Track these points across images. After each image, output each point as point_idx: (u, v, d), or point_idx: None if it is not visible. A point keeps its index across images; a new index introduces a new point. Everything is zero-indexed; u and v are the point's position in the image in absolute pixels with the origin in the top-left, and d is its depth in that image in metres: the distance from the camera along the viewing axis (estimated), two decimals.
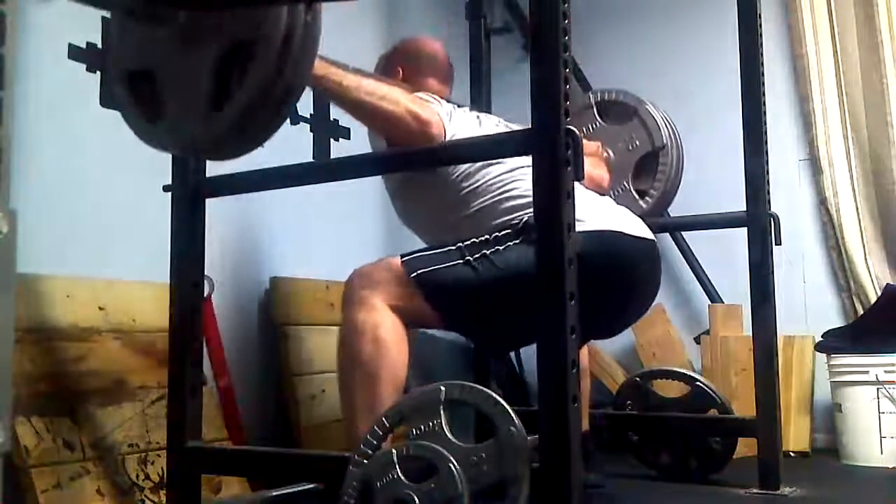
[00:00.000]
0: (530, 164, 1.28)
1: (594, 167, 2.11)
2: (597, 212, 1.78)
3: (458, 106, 1.99)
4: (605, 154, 2.32)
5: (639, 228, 1.85)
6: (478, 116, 2.00)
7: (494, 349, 2.25)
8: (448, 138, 1.80)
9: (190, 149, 1.52)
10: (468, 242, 1.73)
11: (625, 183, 2.41)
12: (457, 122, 1.86)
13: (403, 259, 1.71)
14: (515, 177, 1.83)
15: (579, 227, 1.68)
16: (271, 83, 1.24)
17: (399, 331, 1.66)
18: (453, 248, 1.73)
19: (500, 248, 1.70)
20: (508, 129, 1.96)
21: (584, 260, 1.27)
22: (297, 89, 1.30)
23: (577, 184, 1.51)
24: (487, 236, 1.74)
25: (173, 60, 1.32)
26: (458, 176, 1.85)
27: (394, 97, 1.71)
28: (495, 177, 1.84)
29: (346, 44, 2.70)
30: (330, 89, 1.66)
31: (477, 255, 1.70)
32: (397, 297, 1.67)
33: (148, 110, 1.37)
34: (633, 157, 2.43)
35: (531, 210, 1.36)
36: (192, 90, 1.29)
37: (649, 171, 2.43)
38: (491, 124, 2.00)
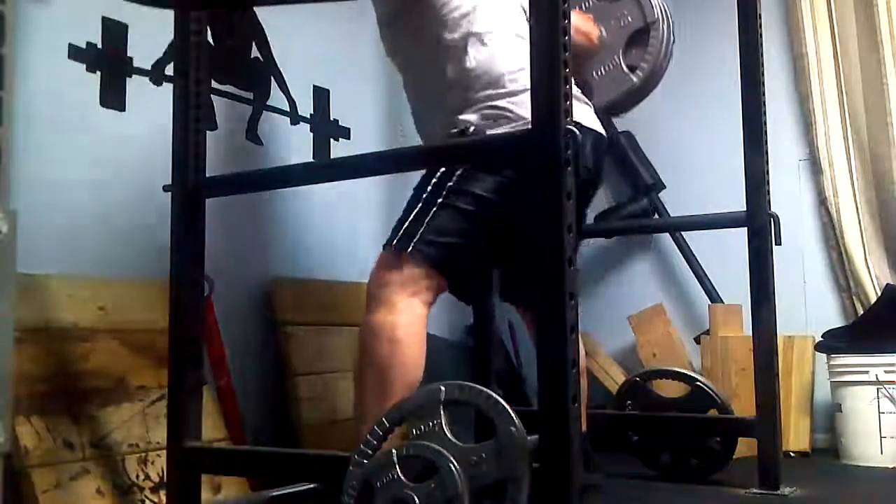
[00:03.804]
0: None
1: (584, 21, 2.11)
2: None
3: None
4: (598, 32, 2.32)
5: (590, 120, 1.83)
6: None
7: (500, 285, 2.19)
8: None
9: None
10: (430, 188, 1.70)
11: (616, 58, 2.40)
12: None
13: (392, 243, 1.68)
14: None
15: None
16: None
17: (416, 329, 1.63)
18: (420, 203, 1.70)
19: (462, 178, 1.68)
20: None
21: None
22: None
23: None
24: (442, 171, 1.71)
25: None
26: (446, 13, 1.78)
27: None
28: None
29: (345, 43, 2.71)
30: None
31: (445, 193, 1.68)
32: (408, 281, 1.64)
33: None
34: (625, 32, 2.41)
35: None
36: None
37: (640, 46, 2.42)
38: None
